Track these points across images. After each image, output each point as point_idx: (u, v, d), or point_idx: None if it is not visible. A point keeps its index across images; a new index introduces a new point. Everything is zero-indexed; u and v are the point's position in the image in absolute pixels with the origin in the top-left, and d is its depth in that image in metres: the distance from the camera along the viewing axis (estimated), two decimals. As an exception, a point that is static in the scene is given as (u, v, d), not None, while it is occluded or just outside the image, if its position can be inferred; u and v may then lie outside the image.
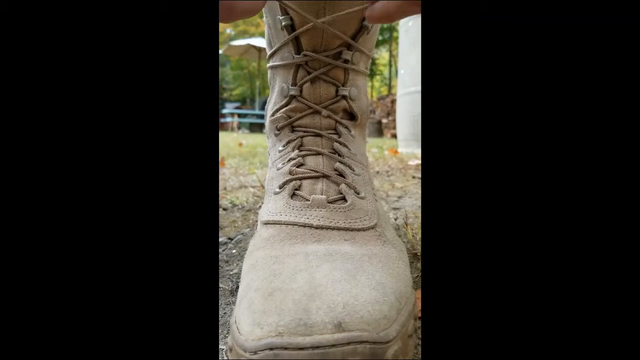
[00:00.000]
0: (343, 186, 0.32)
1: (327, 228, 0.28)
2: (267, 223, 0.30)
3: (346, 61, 0.34)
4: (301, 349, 0.18)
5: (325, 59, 0.34)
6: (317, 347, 0.18)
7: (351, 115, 0.38)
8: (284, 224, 0.29)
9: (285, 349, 0.18)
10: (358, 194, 0.32)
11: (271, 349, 0.18)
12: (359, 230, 0.28)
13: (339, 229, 0.28)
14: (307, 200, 0.30)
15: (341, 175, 0.33)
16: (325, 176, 0.32)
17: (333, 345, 0.18)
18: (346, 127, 0.36)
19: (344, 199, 0.31)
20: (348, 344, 0.18)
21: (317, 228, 0.28)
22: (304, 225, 0.28)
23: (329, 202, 0.30)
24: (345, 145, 0.35)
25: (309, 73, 0.34)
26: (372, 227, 0.29)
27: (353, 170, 0.34)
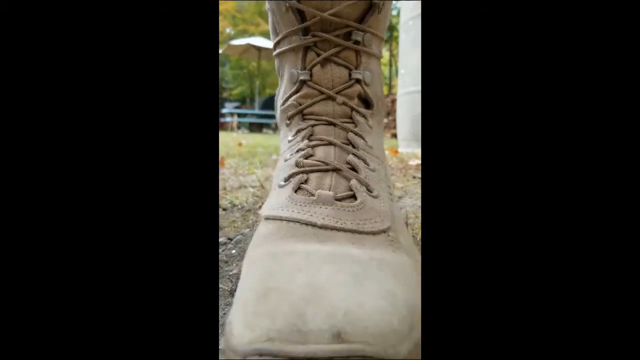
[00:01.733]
0: (354, 182, 0.28)
1: (332, 229, 0.25)
2: (267, 218, 0.27)
3: (357, 42, 0.32)
4: (293, 358, 0.16)
5: (335, 39, 0.31)
6: (311, 359, 0.16)
7: (366, 103, 0.34)
8: (285, 220, 0.26)
9: (276, 356, 0.16)
10: (370, 192, 0.28)
11: (260, 354, 0.16)
12: (368, 233, 0.25)
13: (345, 230, 0.25)
14: (312, 195, 0.27)
15: (353, 169, 0.29)
16: (335, 170, 0.29)
17: (330, 358, 0.16)
18: (363, 116, 0.33)
19: (354, 196, 0.28)
20: (347, 357, 0.16)
21: (320, 227, 0.25)
22: (307, 224, 0.25)
23: (336, 199, 0.27)
24: (361, 137, 0.32)
25: (318, 55, 0.32)
26: (384, 231, 0.26)
27: (367, 165, 0.30)
